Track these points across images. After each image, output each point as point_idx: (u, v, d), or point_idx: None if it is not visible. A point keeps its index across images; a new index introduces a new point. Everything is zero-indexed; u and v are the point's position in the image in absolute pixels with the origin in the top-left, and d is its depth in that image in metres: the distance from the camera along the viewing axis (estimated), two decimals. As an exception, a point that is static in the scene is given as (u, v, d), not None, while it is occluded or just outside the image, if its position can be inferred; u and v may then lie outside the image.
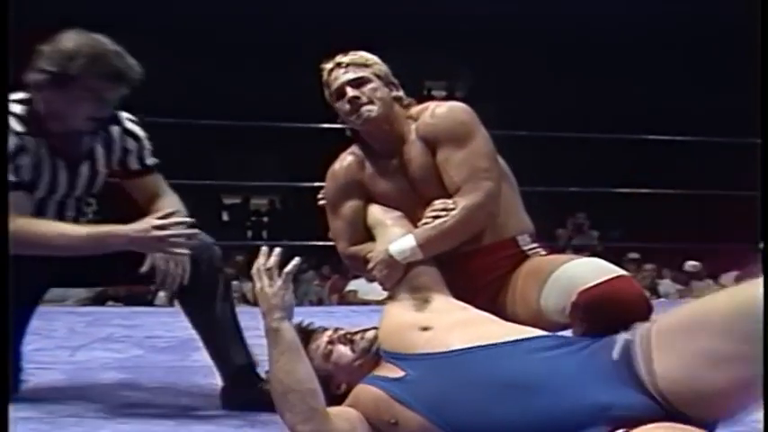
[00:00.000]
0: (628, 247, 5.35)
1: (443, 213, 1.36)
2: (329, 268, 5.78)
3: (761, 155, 1.15)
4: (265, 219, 7.97)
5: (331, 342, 1.24)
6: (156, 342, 2.35)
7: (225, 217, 8.10)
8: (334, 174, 1.52)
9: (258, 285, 1.20)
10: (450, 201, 1.38)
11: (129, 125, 1.59)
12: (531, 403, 1.03)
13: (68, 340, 2.30)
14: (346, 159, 1.51)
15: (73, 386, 1.73)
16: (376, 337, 1.24)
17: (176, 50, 7.44)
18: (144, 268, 1.45)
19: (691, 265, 5.17)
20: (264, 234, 7.80)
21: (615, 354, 1.03)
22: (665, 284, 5.21)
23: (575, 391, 1.01)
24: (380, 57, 1.49)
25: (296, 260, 1.22)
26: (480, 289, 1.39)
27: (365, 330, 1.25)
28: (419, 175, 1.43)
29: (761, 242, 0.96)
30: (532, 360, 1.08)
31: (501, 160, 1.47)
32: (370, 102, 1.42)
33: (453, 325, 1.21)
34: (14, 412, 1.44)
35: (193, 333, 2.49)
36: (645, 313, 1.19)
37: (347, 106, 1.44)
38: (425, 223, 1.38)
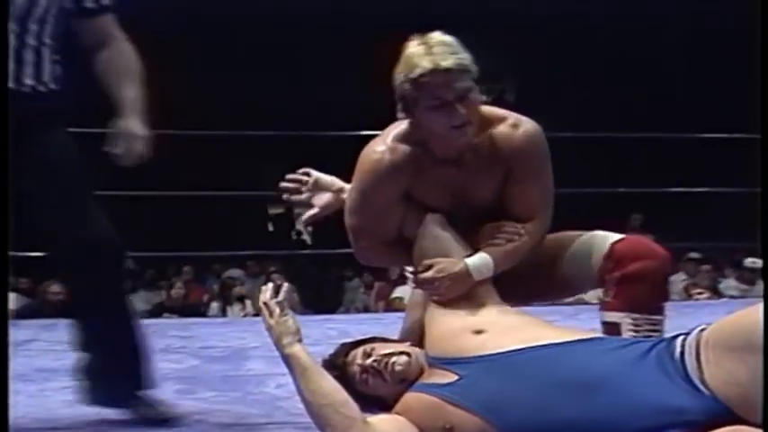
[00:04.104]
0: (688, 247, 5.22)
1: (516, 237, 1.34)
2: (371, 276, 5.82)
3: (761, 163, 1.11)
4: (309, 228, 8.07)
5: (364, 371, 1.23)
6: (210, 352, 2.41)
7: (270, 227, 8.23)
8: (378, 163, 1.33)
9: (263, 321, 1.23)
10: (520, 226, 1.35)
11: None
12: (596, 402, 1.00)
13: (129, 352, 2.37)
14: (398, 149, 1.33)
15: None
16: (408, 363, 1.21)
17: (224, 65, 7.61)
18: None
19: (750, 261, 4.99)
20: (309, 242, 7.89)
21: (677, 358, 1.01)
22: (728, 284, 5.06)
23: (643, 391, 0.99)
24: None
25: (285, 286, 1.24)
26: (514, 281, 1.38)
27: (393, 355, 1.22)
28: (478, 196, 1.37)
29: (761, 244, 0.94)
30: (596, 359, 1.05)
31: None
32: (471, 122, 1.28)
33: (508, 328, 1.19)
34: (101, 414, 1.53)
35: (245, 343, 2.58)
36: (668, 265, 1.35)
37: (455, 123, 1.27)
38: (498, 243, 1.34)
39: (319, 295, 5.58)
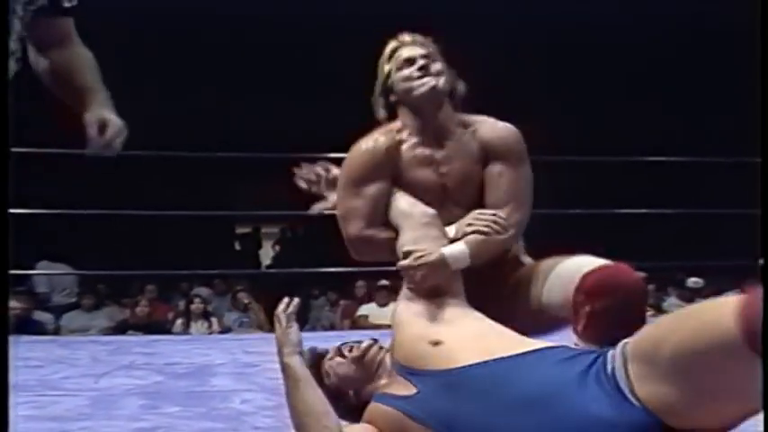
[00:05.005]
0: (634, 267, 5.33)
1: (495, 226, 1.34)
2: (335, 295, 5.80)
3: (762, 167, 1.13)
4: (277, 247, 7.99)
5: (330, 359, 1.28)
6: (175, 368, 2.36)
7: (237, 246, 8.13)
8: (364, 149, 1.42)
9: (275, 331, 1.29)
10: (500, 213, 1.36)
11: None
12: (541, 418, 1.02)
13: (92, 368, 2.31)
14: (380, 138, 1.43)
15: (98, 412, 1.74)
16: (369, 346, 1.26)
17: (190, 87, 7.56)
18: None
19: (693, 281, 5.20)
20: (275, 262, 7.82)
21: (609, 373, 1.03)
22: (671, 302, 5.21)
23: (584, 406, 1.01)
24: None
25: (295, 301, 1.29)
26: (490, 301, 1.36)
27: (372, 346, 1.27)
28: (461, 177, 1.40)
29: (761, 258, 0.91)
30: (543, 375, 1.07)
31: None
32: (438, 74, 1.40)
33: (464, 339, 1.19)
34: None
35: (211, 359, 2.53)
36: (642, 296, 1.27)
37: (416, 73, 1.40)
38: (476, 231, 1.34)
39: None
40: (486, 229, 1.34)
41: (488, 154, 1.41)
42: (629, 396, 1.00)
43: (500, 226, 1.34)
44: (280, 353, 1.25)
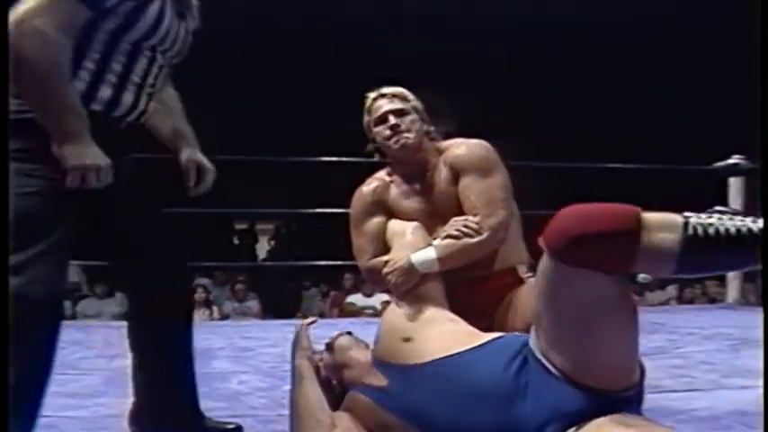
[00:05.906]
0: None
1: (465, 229, 1.39)
2: (325, 286, 5.91)
3: (762, 167, 1.13)
4: (272, 242, 8.05)
5: (319, 357, 1.38)
6: (179, 352, 2.45)
7: (235, 241, 8.19)
8: (360, 194, 1.54)
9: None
10: (471, 217, 1.40)
11: None
12: (496, 410, 1.05)
13: (106, 350, 2.37)
14: (372, 182, 1.55)
15: (111, 389, 1.82)
16: (339, 334, 1.36)
17: (193, 92, 7.56)
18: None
19: (642, 277, 5.30)
20: (270, 255, 7.89)
21: (537, 354, 1.05)
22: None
23: (533, 394, 1.03)
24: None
25: (312, 319, 1.43)
26: (485, 311, 1.40)
27: (342, 334, 1.36)
28: (441, 198, 1.47)
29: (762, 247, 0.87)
30: (492, 367, 1.09)
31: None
32: (408, 130, 1.49)
33: (431, 337, 1.23)
34: (64, 412, 1.56)
35: (211, 344, 2.61)
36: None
37: (387, 132, 1.49)
38: (448, 236, 1.39)
39: (280, 303, 5.62)
40: (456, 233, 1.39)
41: (458, 172, 1.48)
42: (554, 371, 1.02)
43: (471, 229, 1.39)
44: (293, 355, 1.35)
